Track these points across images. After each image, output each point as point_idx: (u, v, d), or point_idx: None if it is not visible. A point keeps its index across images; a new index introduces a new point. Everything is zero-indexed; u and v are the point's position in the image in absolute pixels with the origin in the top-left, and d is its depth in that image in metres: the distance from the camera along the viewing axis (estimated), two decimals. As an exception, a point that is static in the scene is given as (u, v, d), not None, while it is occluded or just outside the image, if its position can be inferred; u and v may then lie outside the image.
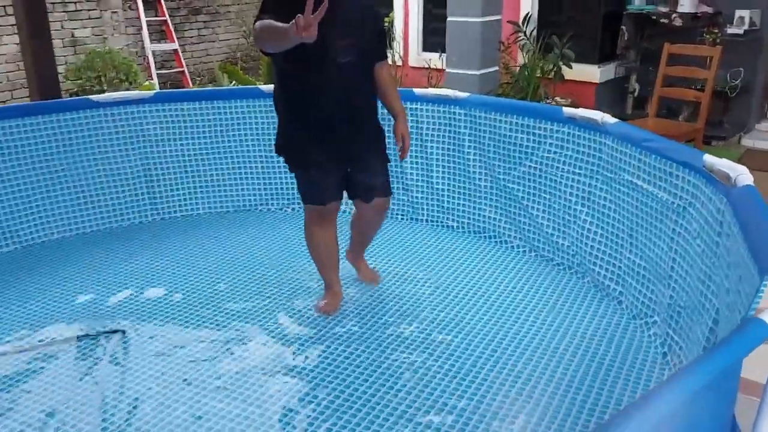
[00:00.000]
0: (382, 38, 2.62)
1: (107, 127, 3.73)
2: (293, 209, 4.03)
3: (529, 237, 3.38)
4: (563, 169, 3.14)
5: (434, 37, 7.15)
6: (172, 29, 8.07)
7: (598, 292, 2.96)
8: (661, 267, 2.52)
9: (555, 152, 3.16)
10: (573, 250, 3.13)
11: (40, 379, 2.39)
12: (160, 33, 8.10)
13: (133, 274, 3.23)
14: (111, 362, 2.48)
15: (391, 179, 2.78)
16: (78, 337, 2.63)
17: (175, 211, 3.99)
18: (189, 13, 8.64)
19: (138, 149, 3.83)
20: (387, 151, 2.74)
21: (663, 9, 5.89)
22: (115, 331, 2.65)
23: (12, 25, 6.40)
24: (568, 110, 3.10)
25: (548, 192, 3.24)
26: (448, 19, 5.16)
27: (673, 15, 5.74)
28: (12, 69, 6.59)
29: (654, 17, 5.88)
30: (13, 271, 3.27)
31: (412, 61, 7.40)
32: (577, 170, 3.06)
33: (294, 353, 2.51)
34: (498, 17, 4.79)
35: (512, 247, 3.46)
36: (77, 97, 3.84)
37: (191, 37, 8.68)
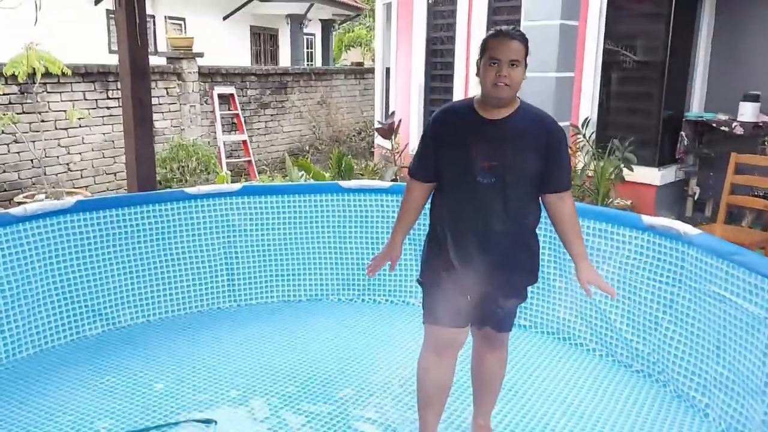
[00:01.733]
0: (559, 164, 2.27)
1: (198, 217, 3.96)
2: (363, 301, 4.13)
3: (606, 341, 3.39)
4: (643, 275, 3.18)
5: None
6: (243, 122, 8.56)
7: (682, 402, 2.93)
8: (753, 381, 2.50)
9: (635, 258, 3.22)
10: (654, 358, 3.12)
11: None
12: (231, 125, 8.60)
13: (215, 363, 3.33)
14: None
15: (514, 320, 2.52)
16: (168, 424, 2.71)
17: (252, 299, 4.13)
18: (258, 107, 9.18)
19: (222, 238, 4.03)
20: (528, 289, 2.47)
21: (723, 117, 6.02)
22: (207, 421, 2.73)
23: (102, 116, 6.93)
24: (647, 219, 3.18)
25: (627, 297, 3.27)
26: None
27: (734, 124, 5.86)
28: (97, 156, 7.06)
29: (714, 125, 6.01)
30: (104, 353, 3.41)
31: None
32: (658, 277, 3.10)
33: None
34: (570, 74, 4.92)
35: (588, 350, 3.47)
36: (174, 189, 4.08)
37: (258, 128, 9.18)
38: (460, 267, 2.31)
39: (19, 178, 6.37)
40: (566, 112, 5.02)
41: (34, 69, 5.63)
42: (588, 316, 3.48)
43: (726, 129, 5.92)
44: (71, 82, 6.59)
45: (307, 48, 17.84)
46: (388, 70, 9.45)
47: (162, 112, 7.58)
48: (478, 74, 2.24)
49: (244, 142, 8.52)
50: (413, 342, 2.95)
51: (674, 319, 3.02)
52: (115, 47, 10.93)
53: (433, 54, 8.16)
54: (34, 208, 3.43)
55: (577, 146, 6.28)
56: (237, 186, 4.13)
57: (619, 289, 3.30)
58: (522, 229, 2.32)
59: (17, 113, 6.15)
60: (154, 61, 7.76)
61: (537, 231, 2.40)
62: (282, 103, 9.55)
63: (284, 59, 15.59)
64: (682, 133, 6.24)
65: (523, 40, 2.20)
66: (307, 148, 9.52)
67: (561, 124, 5.10)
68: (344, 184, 4.20)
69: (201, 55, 7.93)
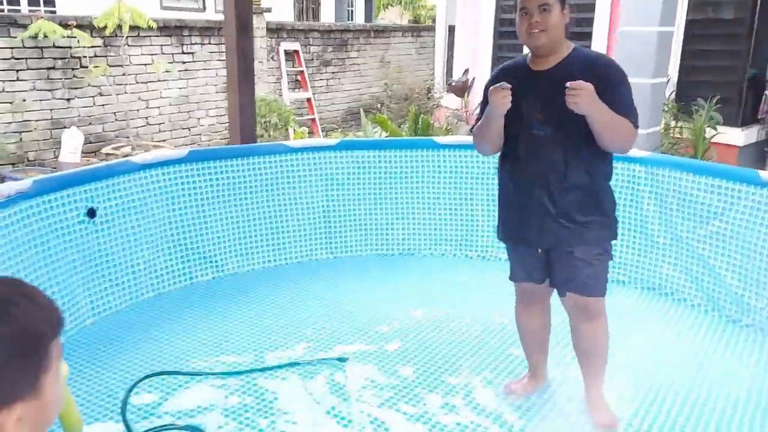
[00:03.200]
0: (617, 106, 2.13)
1: (298, 170, 4.04)
2: (454, 255, 4.19)
3: (713, 296, 3.40)
4: (759, 230, 3.17)
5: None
6: (307, 79, 8.59)
7: (800, 356, 2.94)
8: None
9: (750, 213, 3.20)
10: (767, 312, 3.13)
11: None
12: (294, 82, 8.64)
13: (337, 306, 3.44)
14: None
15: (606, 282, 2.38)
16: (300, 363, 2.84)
17: (347, 251, 4.22)
18: (320, 64, 9.18)
19: (322, 191, 4.11)
20: (609, 248, 2.37)
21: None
22: (340, 359, 2.85)
23: (178, 71, 7.02)
24: (765, 174, 3.15)
25: (739, 252, 3.27)
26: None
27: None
28: (174, 111, 7.20)
29: None
30: (231, 296, 3.55)
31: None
32: (776, 233, 3.09)
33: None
34: (665, 79, 4.90)
35: (692, 305, 3.48)
36: (277, 143, 4.17)
37: (320, 86, 9.20)
38: (524, 221, 2.32)
39: (103, 130, 6.55)
40: (664, 67, 4.91)
41: (120, 21, 5.74)
42: (693, 271, 3.49)
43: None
44: (150, 36, 6.69)
45: (348, 6, 17.67)
46: (450, 28, 9.34)
47: (232, 69, 7.67)
48: (518, 32, 2.23)
49: (309, 99, 8.56)
50: (501, 293, 2.98)
51: (794, 274, 3.01)
52: (167, 3, 10.99)
53: (503, 10, 8.03)
54: (151, 157, 3.55)
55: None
56: (335, 141, 4.19)
57: (732, 244, 3.30)
58: (587, 181, 2.24)
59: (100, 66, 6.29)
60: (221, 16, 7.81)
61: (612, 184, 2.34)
62: (343, 60, 9.54)
63: (325, 16, 15.46)
64: (766, 93, 6.09)
65: None
66: (378, 106, 9.52)
67: (660, 80, 5.05)
68: (440, 139, 4.23)
69: (269, 10, 7.94)
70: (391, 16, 19.60)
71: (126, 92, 6.64)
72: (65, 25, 5.93)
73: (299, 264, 4.10)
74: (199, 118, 7.28)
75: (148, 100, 6.88)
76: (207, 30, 7.28)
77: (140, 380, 2.68)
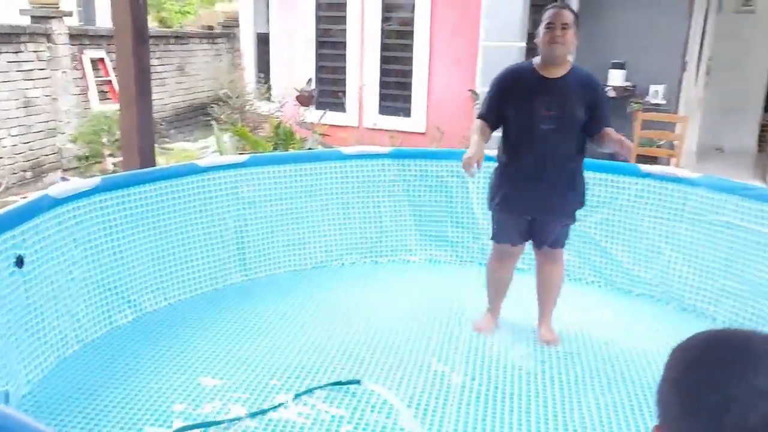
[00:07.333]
0: (596, 112, 2.87)
1: (209, 190, 3.78)
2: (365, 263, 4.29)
3: (606, 273, 4.01)
4: (642, 214, 3.84)
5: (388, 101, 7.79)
6: (116, 89, 7.82)
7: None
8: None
9: (635, 200, 3.87)
10: (656, 281, 3.82)
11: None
12: (101, 93, 7.81)
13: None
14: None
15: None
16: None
17: (261, 271, 4.06)
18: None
19: (234, 210, 3.90)
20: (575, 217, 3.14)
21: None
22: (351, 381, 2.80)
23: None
24: (644, 167, 3.83)
25: (627, 233, 3.92)
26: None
27: (606, 88, 6.92)
28: None
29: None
30: (155, 338, 3.20)
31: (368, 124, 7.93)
32: (659, 214, 3.78)
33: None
34: None
35: (587, 282, 4.06)
36: (187, 162, 3.84)
37: (127, 97, 8.43)
38: (528, 195, 2.98)
39: None
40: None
41: None
42: (587, 253, 4.07)
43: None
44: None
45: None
46: (259, 36, 9.25)
47: (32, 79, 6.64)
48: (536, 40, 2.87)
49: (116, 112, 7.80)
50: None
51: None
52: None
53: (320, 21, 8.21)
54: (63, 189, 3.06)
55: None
56: (245, 157, 4.00)
57: (619, 227, 3.94)
58: (574, 166, 2.98)
59: None
60: (18, 20, 6.77)
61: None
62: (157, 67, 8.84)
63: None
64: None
65: (572, 11, 2.87)
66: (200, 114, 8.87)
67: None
68: (346, 150, 4.29)
69: (69, 14, 7.04)
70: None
71: None
72: None
73: (215, 291, 3.84)
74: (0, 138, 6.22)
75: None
76: (4, 36, 6.24)
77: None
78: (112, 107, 7.75)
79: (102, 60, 7.66)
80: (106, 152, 5.75)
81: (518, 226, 3.09)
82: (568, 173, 2.98)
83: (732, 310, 3.47)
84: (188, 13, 13.51)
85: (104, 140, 5.80)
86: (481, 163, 2.78)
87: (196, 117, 9.87)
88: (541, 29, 2.84)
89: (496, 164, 3.12)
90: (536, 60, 2.97)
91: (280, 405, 2.61)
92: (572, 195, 3.03)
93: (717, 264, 3.55)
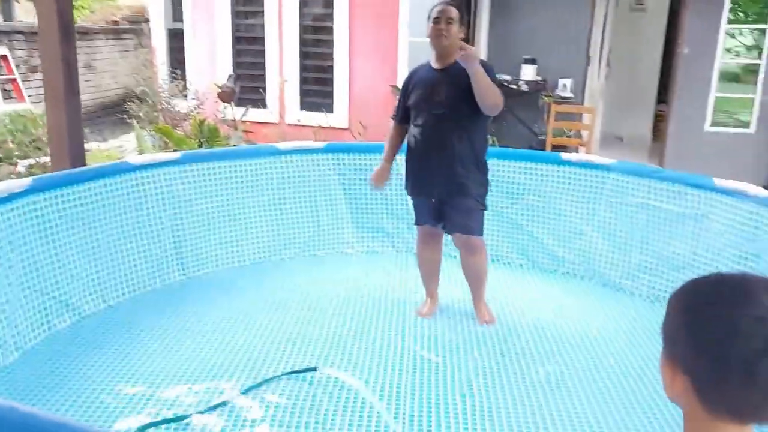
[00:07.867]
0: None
1: (142, 188, 3.72)
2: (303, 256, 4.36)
3: (532, 255, 4.27)
4: (563, 199, 4.12)
5: (309, 97, 7.83)
6: (22, 87, 7.41)
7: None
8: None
9: (557, 187, 4.14)
10: (578, 260, 4.11)
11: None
12: (4, 92, 7.37)
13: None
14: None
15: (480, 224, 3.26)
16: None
17: (199, 269, 4.03)
18: (28, 71, 7.99)
19: (169, 209, 3.85)
20: (484, 201, 3.24)
21: (507, 77, 7.41)
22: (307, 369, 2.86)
23: None
24: (564, 155, 4.11)
25: (550, 217, 4.19)
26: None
27: (519, 82, 7.29)
28: None
29: (504, 84, 7.36)
30: (90, 342, 3.13)
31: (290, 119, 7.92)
32: (579, 198, 4.08)
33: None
34: None
35: (517, 265, 4.31)
36: (120, 161, 3.74)
37: (31, 96, 8.00)
38: (424, 176, 3.20)
39: None
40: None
41: None
42: (514, 237, 4.31)
43: (514, 87, 7.32)
44: None
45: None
46: (170, 32, 9.00)
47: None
48: (429, 36, 3.09)
49: (30, 112, 7.38)
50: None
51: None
52: None
53: (237, 16, 8.10)
54: (-8, 192, 2.93)
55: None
56: (178, 155, 3.95)
57: (543, 211, 4.20)
58: (468, 149, 3.11)
59: None
60: None
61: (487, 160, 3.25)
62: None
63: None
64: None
65: (456, 7, 3.09)
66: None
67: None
68: (281, 146, 4.32)
69: (-35, 8, 6.58)
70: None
71: None
72: None
73: (153, 291, 3.79)
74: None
75: None
76: None
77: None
78: (18, 106, 7.36)
79: (5, 57, 7.23)
80: (18, 153, 5.45)
81: (427, 208, 3.28)
82: (461, 156, 3.10)
83: (648, 283, 3.80)
84: (83, 7, 12.78)
85: (10, 142, 5.48)
86: (388, 177, 3.31)
87: (106, 116, 9.48)
88: (429, 24, 3.08)
89: None
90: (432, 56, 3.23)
91: (243, 394, 2.65)
92: (465, 175, 3.12)
93: (634, 242, 3.87)
